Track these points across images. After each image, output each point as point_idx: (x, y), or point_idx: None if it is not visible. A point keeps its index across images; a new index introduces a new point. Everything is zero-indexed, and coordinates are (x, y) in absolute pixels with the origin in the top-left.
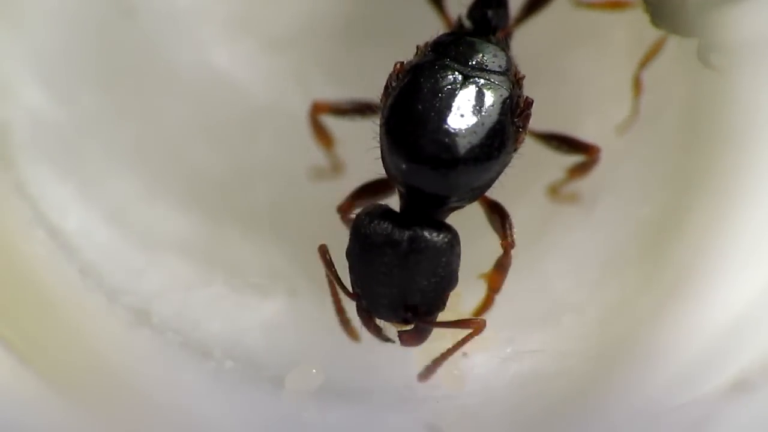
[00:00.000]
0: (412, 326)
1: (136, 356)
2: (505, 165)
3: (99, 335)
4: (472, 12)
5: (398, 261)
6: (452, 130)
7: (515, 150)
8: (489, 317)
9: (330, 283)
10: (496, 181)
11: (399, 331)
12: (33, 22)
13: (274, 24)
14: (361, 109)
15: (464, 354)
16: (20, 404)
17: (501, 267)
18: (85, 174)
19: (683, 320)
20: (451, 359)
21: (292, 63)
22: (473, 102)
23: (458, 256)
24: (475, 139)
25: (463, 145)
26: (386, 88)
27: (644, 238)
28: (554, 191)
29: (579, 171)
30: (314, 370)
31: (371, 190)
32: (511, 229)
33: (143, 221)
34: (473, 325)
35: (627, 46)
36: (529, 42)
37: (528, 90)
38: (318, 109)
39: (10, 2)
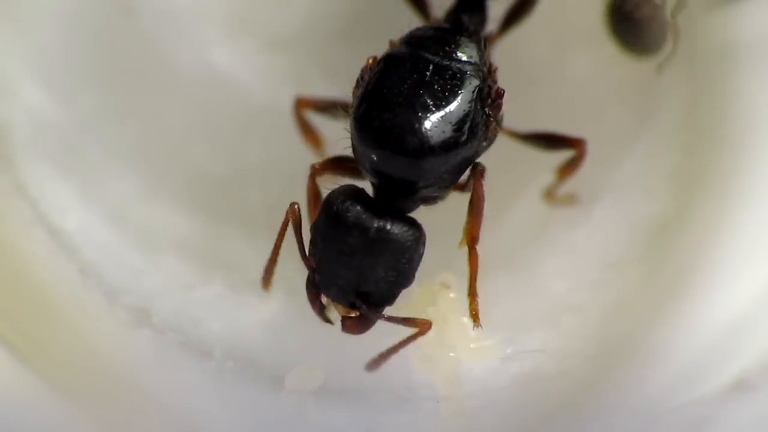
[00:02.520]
0: (357, 314)
1: (136, 356)
2: (475, 153)
3: (99, 335)
4: (449, 16)
5: (361, 247)
6: (419, 115)
7: (486, 139)
8: (489, 318)
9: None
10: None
11: (343, 317)
12: (33, 22)
13: (273, 24)
14: (344, 107)
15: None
16: (20, 404)
17: (474, 208)
18: (85, 174)
19: (683, 320)
20: (448, 366)
21: (292, 63)
22: (442, 89)
23: (420, 256)
24: (442, 124)
25: (429, 130)
26: (358, 81)
27: (644, 238)
28: (549, 195)
29: (568, 169)
30: (314, 370)
31: (347, 166)
32: (480, 166)
33: (143, 221)
34: (419, 325)
35: None
36: (528, 42)
37: (528, 90)
38: (301, 105)
39: (10, 2)
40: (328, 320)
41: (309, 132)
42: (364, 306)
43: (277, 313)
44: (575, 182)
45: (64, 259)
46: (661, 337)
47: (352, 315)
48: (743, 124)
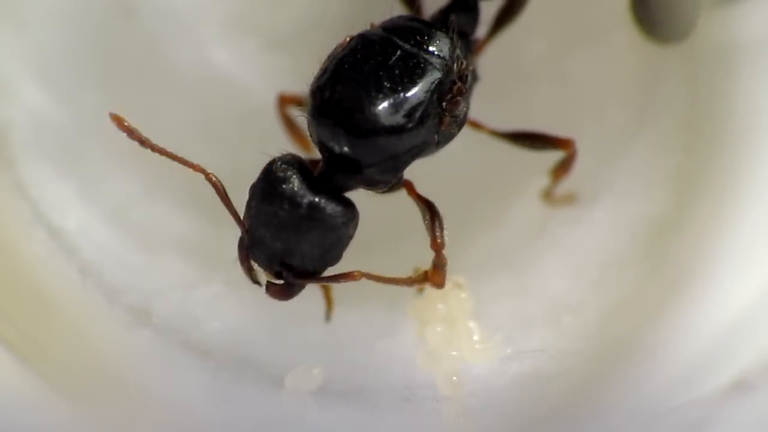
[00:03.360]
0: (282, 282)
1: (136, 356)
2: (422, 143)
3: (99, 335)
4: (440, 14)
5: (291, 220)
6: (372, 94)
7: (438, 133)
8: (489, 317)
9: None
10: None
11: (268, 282)
12: (33, 22)
13: (274, 24)
14: None
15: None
16: (20, 404)
17: (438, 267)
18: (85, 174)
19: (683, 320)
20: (449, 366)
21: (292, 63)
22: (401, 74)
23: (350, 237)
24: (391, 107)
25: (377, 109)
26: (329, 55)
27: (644, 238)
28: (548, 196)
29: (561, 170)
30: (314, 370)
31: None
32: (441, 230)
33: (143, 221)
34: (349, 278)
35: (627, 47)
36: (529, 42)
37: (528, 90)
38: (284, 102)
39: (10, 2)
40: (256, 281)
41: (293, 129)
42: (288, 276)
43: (277, 313)
44: (575, 182)
45: (64, 259)
46: (660, 337)
47: (277, 282)
48: (743, 124)
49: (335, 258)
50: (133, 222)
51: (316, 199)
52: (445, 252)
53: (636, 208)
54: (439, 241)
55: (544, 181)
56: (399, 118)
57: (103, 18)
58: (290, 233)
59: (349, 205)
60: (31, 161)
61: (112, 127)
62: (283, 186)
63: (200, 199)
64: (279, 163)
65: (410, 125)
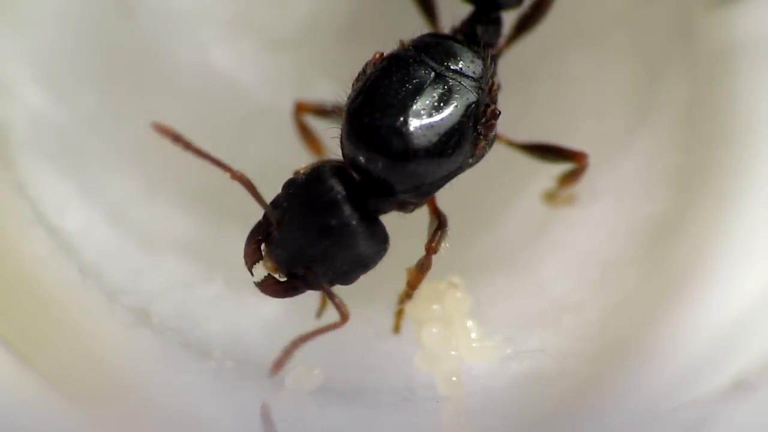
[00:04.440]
0: (285, 280)
1: (136, 356)
2: (458, 168)
3: (99, 335)
4: (464, 26)
5: (334, 239)
6: (409, 120)
7: (473, 157)
8: (489, 317)
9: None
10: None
11: (267, 276)
12: (33, 22)
13: (274, 24)
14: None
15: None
16: (20, 404)
17: (421, 267)
18: (85, 174)
19: (683, 320)
20: (449, 366)
21: (293, 63)
22: (437, 99)
23: (374, 264)
24: (429, 133)
25: (416, 136)
26: (360, 74)
27: (644, 238)
28: (549, 197)
29: (569, 179)
30: (314, 370)
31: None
32: (441, 238)
33: (143, 221)
34: (342, 313)
35: (627, 46)
36: (529, 42)
37: (528, 90)
38: (301, 109)
39: (10, 2)
40: (250, 270)
41: (309, 137)
42: (300, 281)
43: (277, 313)
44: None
45: (64, 259)
46: (660, 337)
47: (280, 279)
48: (743, 124)
49: (352, 281)
50: (133, 222)
51: (361, 226)
52: (433, 259)
53: (636, 208)
54: (434, 245)
55: (544, 181)
56: (437, 147)
57: (103, 18)
58: (327, 248)
59: (386, 238)
60: (31, 161)
61: (112, 127)
62: (336, 204)
63: (200, 199)
64: (330, 175)
65: (448, 152)
